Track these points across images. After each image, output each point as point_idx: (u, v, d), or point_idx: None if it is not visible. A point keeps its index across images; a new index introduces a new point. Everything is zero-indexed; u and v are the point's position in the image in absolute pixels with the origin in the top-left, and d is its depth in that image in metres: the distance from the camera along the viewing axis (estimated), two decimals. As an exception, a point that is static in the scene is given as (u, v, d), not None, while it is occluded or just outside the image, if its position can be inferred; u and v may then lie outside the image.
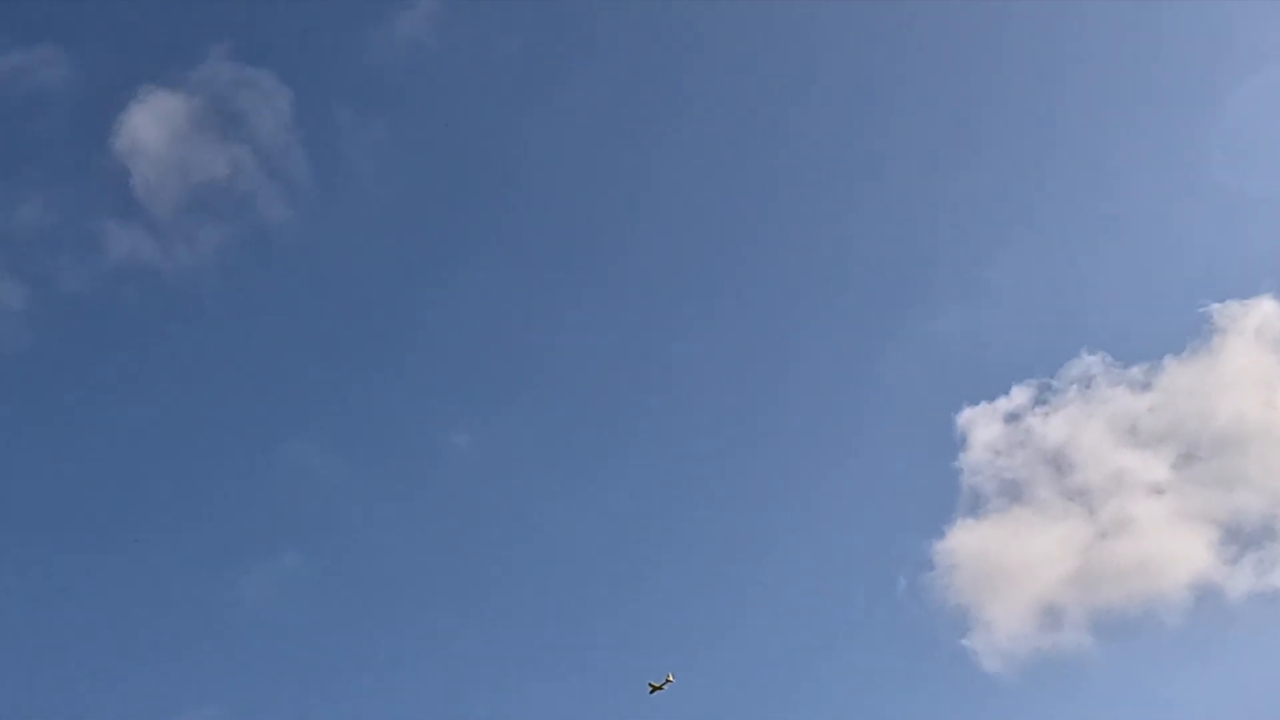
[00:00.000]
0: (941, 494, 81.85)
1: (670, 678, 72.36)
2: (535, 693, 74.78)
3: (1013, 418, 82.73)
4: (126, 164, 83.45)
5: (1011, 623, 75.99)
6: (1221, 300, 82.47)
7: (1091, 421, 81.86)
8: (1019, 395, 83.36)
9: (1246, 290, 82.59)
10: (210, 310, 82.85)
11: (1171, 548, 76.98)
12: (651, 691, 72.32)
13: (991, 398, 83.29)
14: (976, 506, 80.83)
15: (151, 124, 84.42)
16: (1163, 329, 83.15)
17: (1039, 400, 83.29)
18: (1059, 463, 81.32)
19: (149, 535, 76.07)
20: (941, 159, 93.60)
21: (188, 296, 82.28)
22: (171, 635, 73.78)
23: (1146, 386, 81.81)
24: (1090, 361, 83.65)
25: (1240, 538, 75.53)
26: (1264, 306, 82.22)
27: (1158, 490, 78.50)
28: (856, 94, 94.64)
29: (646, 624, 79.64)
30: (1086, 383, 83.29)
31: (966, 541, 78.93)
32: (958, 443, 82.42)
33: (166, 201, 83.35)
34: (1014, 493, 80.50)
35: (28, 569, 73.90)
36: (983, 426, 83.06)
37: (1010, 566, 78.26)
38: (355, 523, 79.24)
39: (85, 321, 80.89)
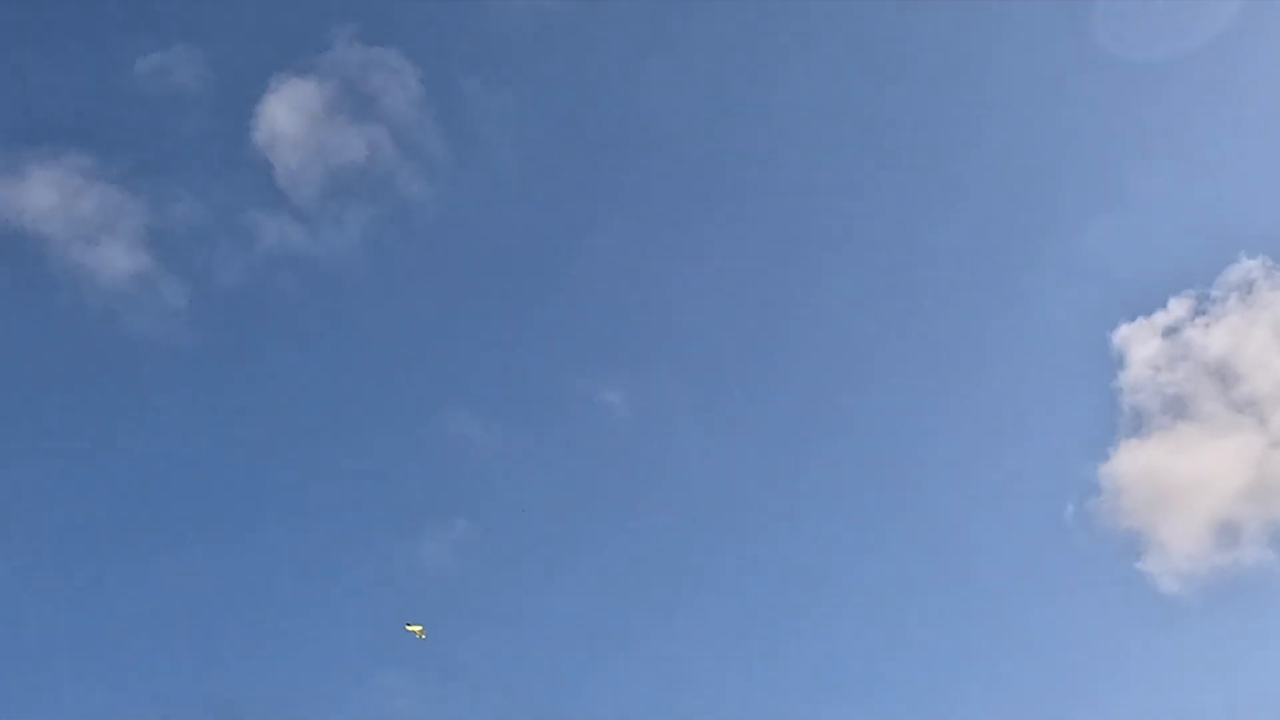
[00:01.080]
0: (1102, 416, 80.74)
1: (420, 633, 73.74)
2: (700, 646, 76.07)
3: (1171, 331, 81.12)
4: (267, 155, 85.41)
5: (1187, 543, 74.89)
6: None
7: (1255, 329, 79.81)
8: (1176, 307, 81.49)
9: None
10: (361, 290, 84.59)
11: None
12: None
13: (1148, 312, 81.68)
14: (1140, 426, 79.49)
15: (287, 113, 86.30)
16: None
17: (1198, 311, 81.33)
18: (1224, 374, 79.54)
19: (325, 509, 78.60)
20: (1073, 64, 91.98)
21: (338, 278, 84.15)
22: (358, 602, 76.23)
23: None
24: (1250, 266, 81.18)
25: None
26: None
27: (1330, 394, 77.14)
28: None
29: (809, 565, 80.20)
30: (1247, 289, 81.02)
31: (1133, 463, 77.73)
32: (1115, 362, 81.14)
33: (310, 188, 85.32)
34: (1178, 409, 79.06)
35: (226, 550, 76.78)
36: (1140, 343, 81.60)
37: (1181, 485, 77.01)
38: (516, 487, 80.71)
39: (244, 312, 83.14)
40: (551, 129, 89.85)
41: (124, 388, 79.29)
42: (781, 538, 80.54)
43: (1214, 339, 79.85)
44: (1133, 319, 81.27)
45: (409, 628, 71.89)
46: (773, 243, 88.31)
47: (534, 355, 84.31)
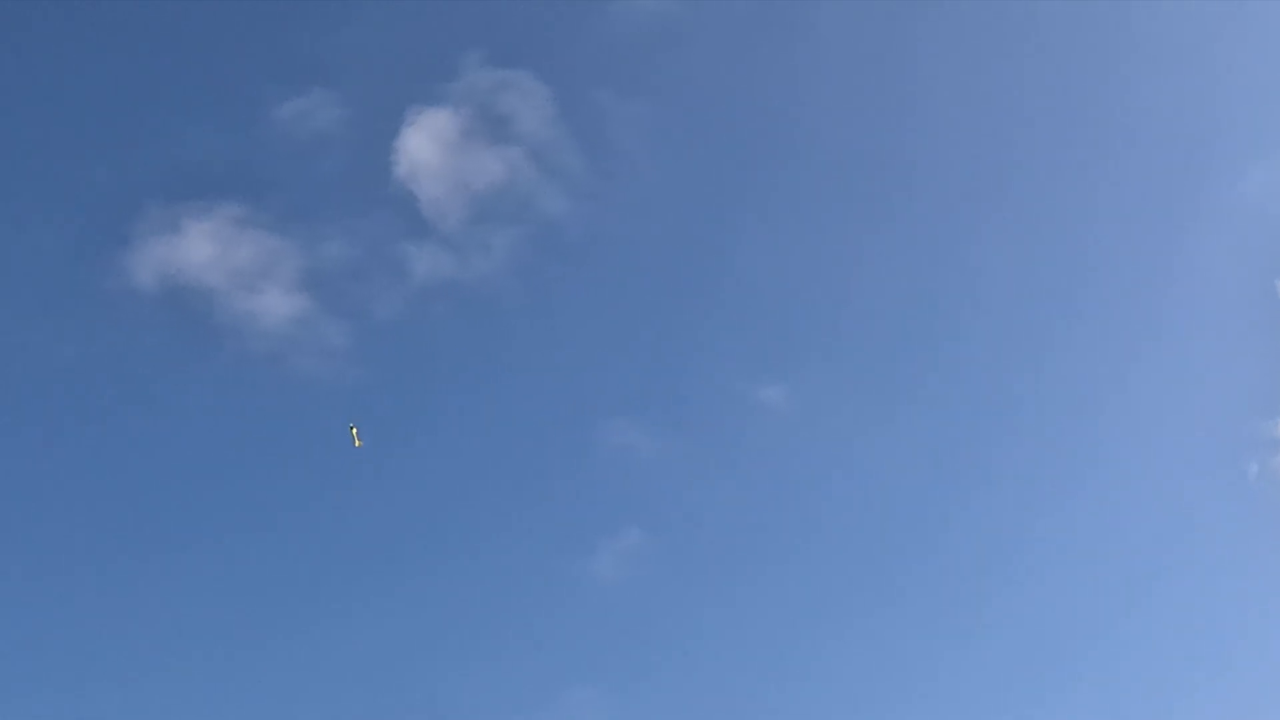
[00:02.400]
0: (1275, 368, 78.90)
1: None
2: (882, 643, 75.86)
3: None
4: (410, 187, 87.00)
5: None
6: None
7: None
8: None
9: None
10: (513, 312, 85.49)
11: None
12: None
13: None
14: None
15: (426, 144, 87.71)
16: None
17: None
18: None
19: (497, 532, 79.60)
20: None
21: (491, 302, 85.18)
22: (539, 621, 76.96)
23: None
24: None
25: None
26: None
27: None
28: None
29: (987, 551, 79.77)
30: None
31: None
32: (1283, 311, 79.48)
33: (454, 216, 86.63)
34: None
35: (406, 580, 77.82)
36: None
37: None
38: (684, 492, 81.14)
39: (403, 344, 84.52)
40: (688, 132, 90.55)
41: (296, 430, 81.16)
42: (956, 525, 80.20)
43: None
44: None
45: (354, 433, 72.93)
46: (924, 224, 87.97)
47: (690, 360, 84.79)
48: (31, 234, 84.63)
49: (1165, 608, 76.04)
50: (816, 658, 75.59)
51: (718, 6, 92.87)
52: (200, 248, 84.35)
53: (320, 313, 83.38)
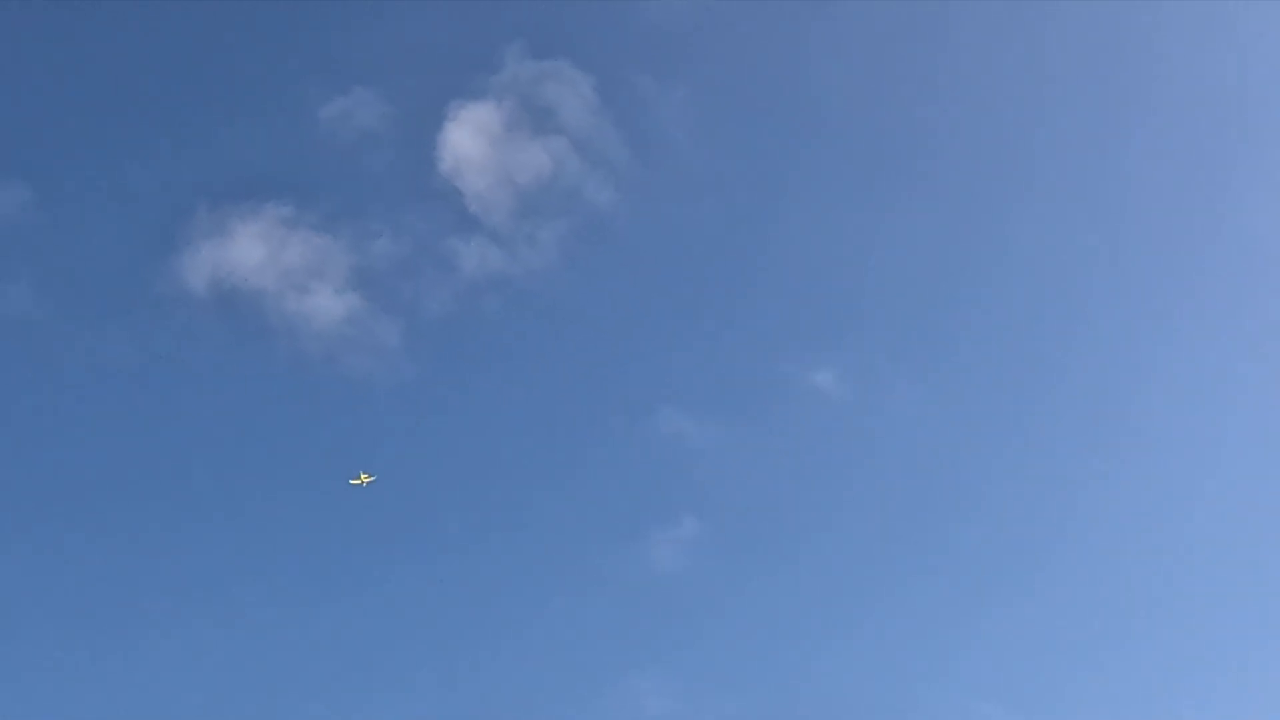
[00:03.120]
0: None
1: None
2: (936, 623, 75.79)
3: None
4: (455, 182, 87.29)
5: None
6: None
7: None
8: None
9: None
10: (563, 303, 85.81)
11: None
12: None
13: None
14: None
15: (470, 138, 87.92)
16: None
17: None
18: None
19: (554, 523, 79.90)
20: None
21: (540, 294, 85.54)
22: (598, 609, 77.29)
23: None
24: None
25: None
26: None
27: None
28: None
29: (1042, 529, 79.75)
30: None
31: None
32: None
33: (501, 209, 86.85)
34: None
35: (467, 570, 78.55)
36: None
37: None
38: (738, 479, 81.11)
39: (455, 339, 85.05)
40: (729, 117, 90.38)
41: (352, 428, 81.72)
42: (1008, 501, 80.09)
43: None
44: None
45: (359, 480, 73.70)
46: (962, 205, 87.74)
47: (739, 346, 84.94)
48: (84, 239, 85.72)
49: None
50: (871, 638, 75.80)
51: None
52: (250, 249, 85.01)
53: (371, 311, 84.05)
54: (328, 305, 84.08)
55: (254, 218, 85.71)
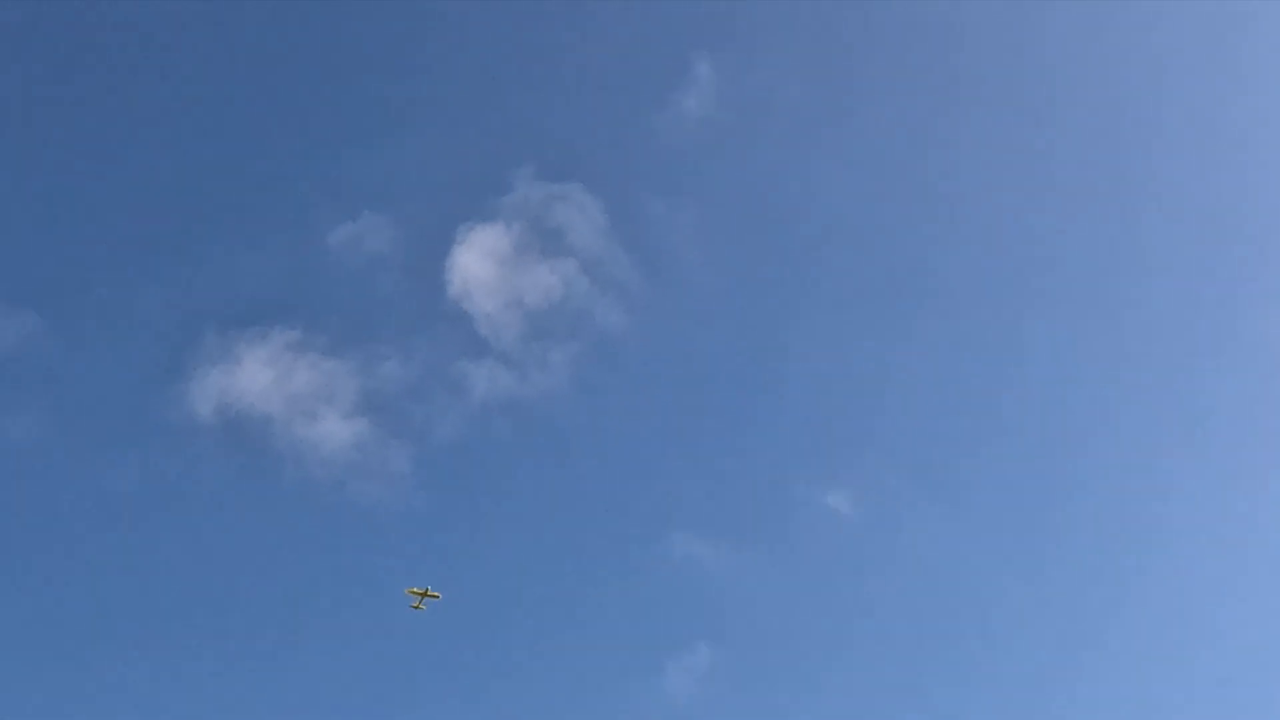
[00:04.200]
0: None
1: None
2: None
3: None
4: (464, 305, 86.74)
5: None
6: None
7: None
8: None
9: None
10: (574, 427, 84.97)
11: None
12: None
13: None
14: None
15: (479, 260, 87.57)
16: None
17: None
18: None
19: (568, 651, 78.59)
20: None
21: (552, 418, 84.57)
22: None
23: None
24: None
25: None
26: None
27: None
28: None
29: (1063, 643, 78.76)
30: None
31: None
32: None
33: (511, 332, 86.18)
34: None
35: (478, 705, 76.92)
36: None
37: None
38: (753, 604, 79.86)
39: (464, 465, 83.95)
40: (739, 239, 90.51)
41: (360, 558, 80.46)
42: (1026, 626, 79.01)
43: None
44: None
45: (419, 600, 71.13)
46: (975, 327, 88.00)
47: (752, 469, 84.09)
48: (92, 367, 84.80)
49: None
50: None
51: (758, 110, 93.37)
52: (258, 375, 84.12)
53: (380, 436, 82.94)
54: (336, 431, 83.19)
55: (262, 342, 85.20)
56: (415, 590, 73.47)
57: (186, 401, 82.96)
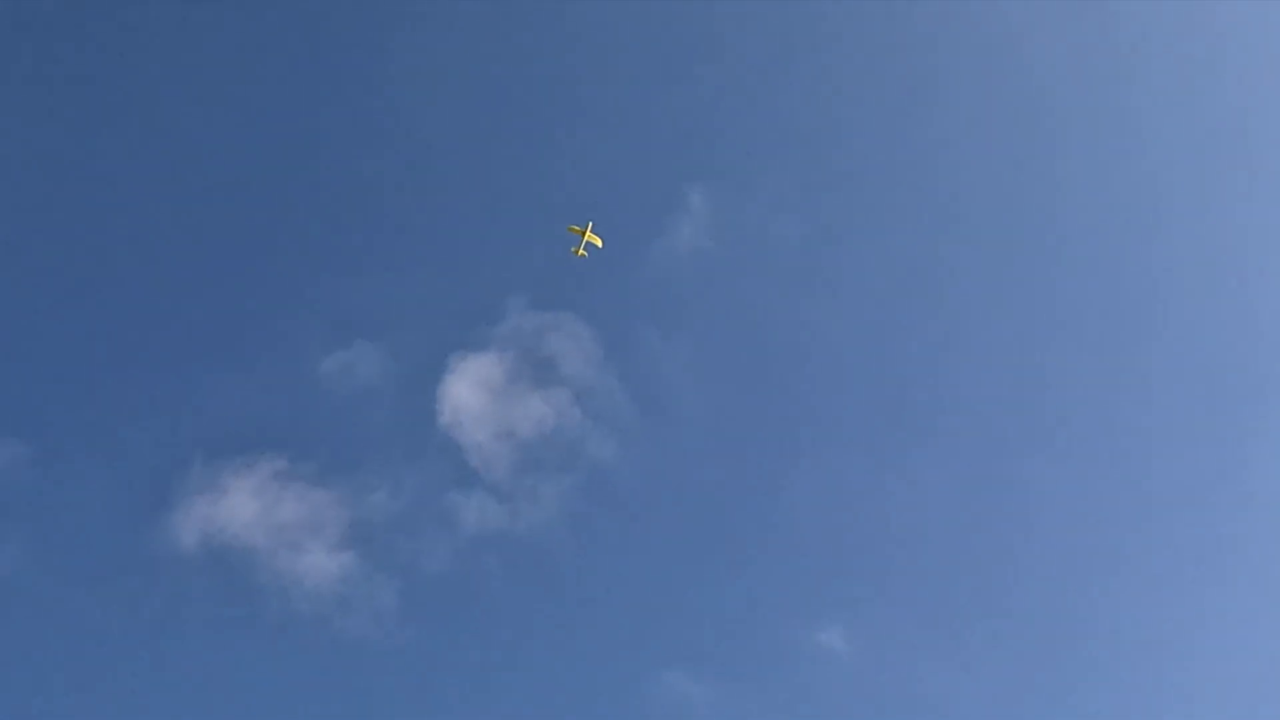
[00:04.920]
0: None
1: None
2: None
3: None
4: (455, 435, 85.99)
5: None
6: None
7: None
8: None
9: None
10: (564, 561, 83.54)
11: None
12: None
13: None
14: None
15: (471, 390, 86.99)
16: None
17: None
18: None
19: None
20: None
21: (542, 552, 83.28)
22: None
23: None
24: None
25: None
26: None
27: None
28: None
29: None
30: None
31: None
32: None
33: (502, 464, 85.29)
34: None
35: None
36: None
37: None
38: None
39: (453, 599, 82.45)
40: (733, 372, 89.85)
41: (345, 694, 78.66)
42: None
43: None
44: None
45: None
46: (974, 461, 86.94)
47: (744, 606, 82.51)
48: (78, 497, 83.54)
49: None
50: None
51: (753, 241, 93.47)
52: (244, 505, 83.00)
53: (366, 570, 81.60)
54: (322, 563, 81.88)
55: (249, 472, 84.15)
56: (577, 229, 70.23)
57: (171, 532, 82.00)
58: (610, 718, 78.78)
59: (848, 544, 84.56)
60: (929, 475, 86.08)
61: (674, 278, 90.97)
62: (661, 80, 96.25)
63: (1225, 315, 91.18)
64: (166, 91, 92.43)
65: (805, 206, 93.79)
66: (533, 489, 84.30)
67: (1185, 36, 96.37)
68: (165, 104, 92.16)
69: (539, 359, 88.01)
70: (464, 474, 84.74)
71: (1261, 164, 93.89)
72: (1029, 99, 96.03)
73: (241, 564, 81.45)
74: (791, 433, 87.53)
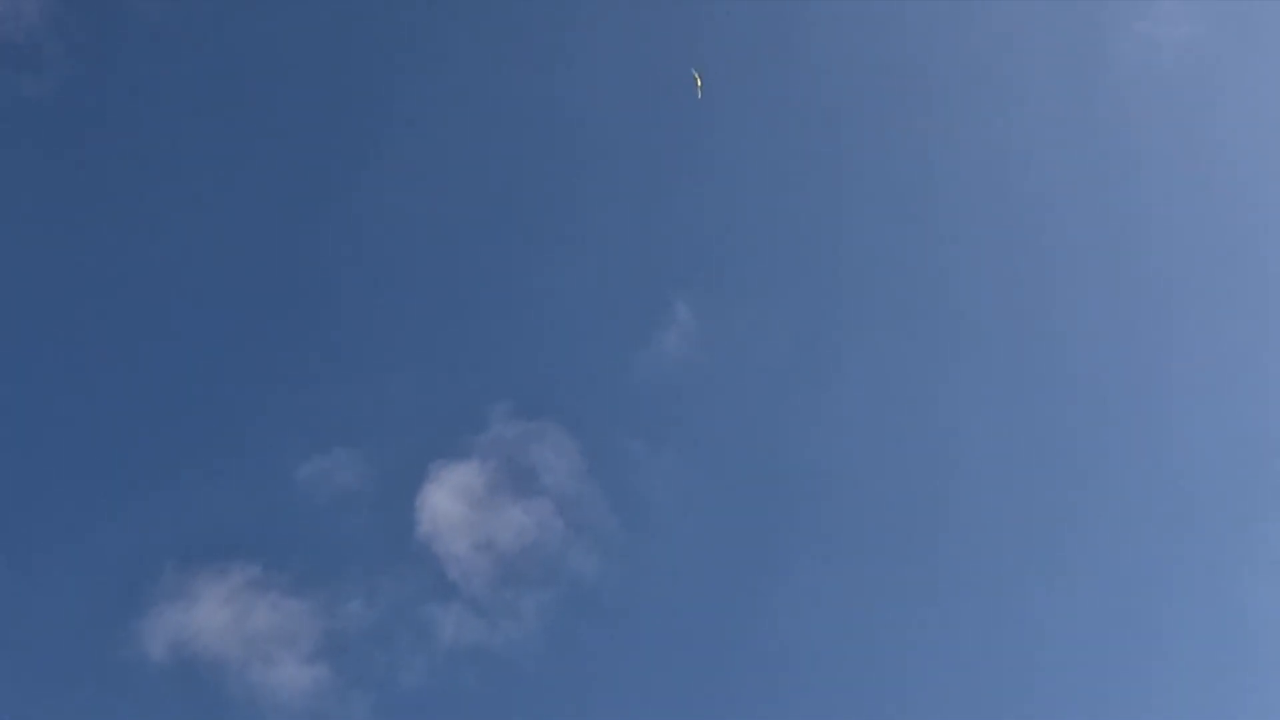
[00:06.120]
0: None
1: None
2: None
3: None
4: (433, 545, 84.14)
5: None
6: None
7: None
8: None
9: None
10: (545, 680, 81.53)
11: None
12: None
13: None
14: None
15: (450, 500, 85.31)
16: None
17: None
18: None
19: None
20: None
21: (521, 670, 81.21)
22: None
23: None
24: None
25: None
26: None
27: None
28: None
29: None
30: None
31: None
32: None
33: (481, 576, 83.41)
34: None
35: None
36: None
37: None
38: None
39: (428, 715, 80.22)
40: (721, 485, 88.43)
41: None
42: None
43: None
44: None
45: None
46: (972, 585, 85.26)
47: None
48: (43, 604, 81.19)
49: None
50: None
51: (740, 350, 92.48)
52: (215, 614, 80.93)
53: (340, 683, 79.39)
54: (294, 675, 79.57)
55: (221, 579, 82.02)
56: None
57: (140, 640, 79.58)
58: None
59: (846, 670, 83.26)
60: (927, 595, 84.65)
61: (658, 387, 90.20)
62: (647, 188, 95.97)
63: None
64: (155, 184, 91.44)
65: (792, 316, 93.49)
66: (513, 603, 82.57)
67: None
68: (148, 203, 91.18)
69: (521, 468, 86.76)
70: (442, 585, 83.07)
71: None
72: (1030, 198, 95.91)
73: (211, 675, 79.31)
74: (784, 549, 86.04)
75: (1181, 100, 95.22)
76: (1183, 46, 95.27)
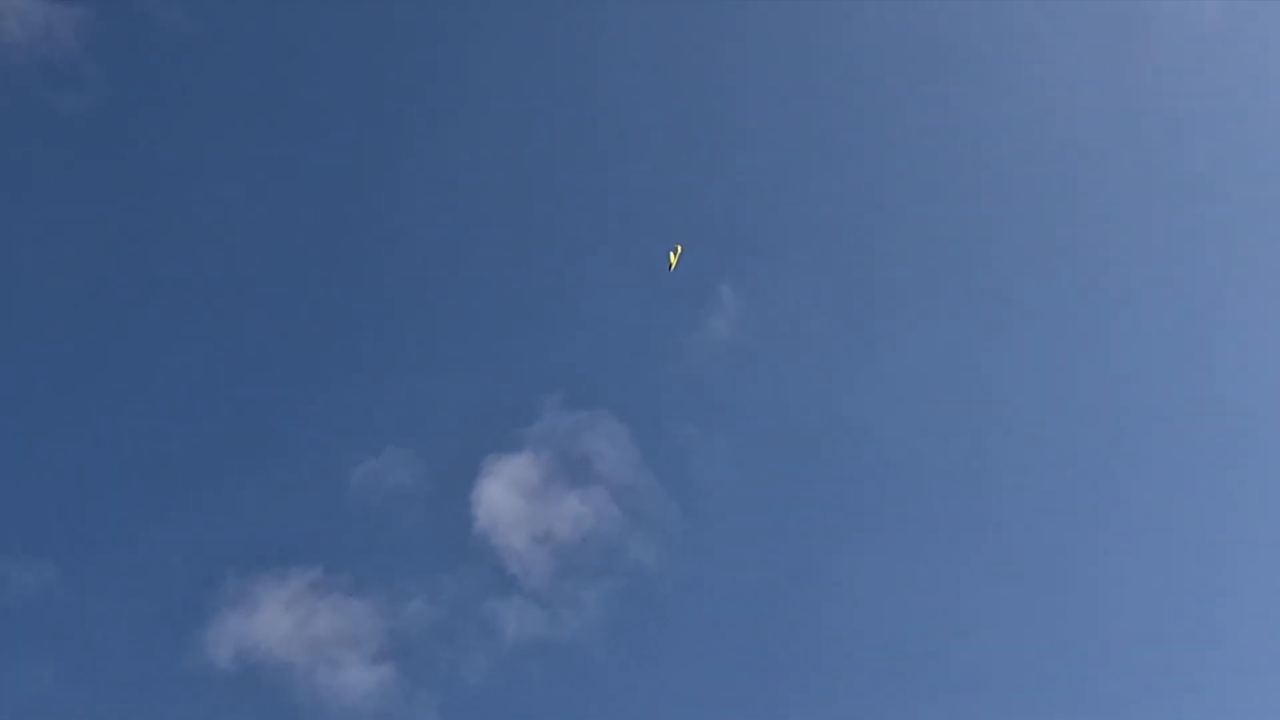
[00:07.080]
0: None
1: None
2: None
3: None
4: (492, 539, 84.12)
5: None
6: None
7: None
8: None
9: None
10: (609, 669, 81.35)
11: None
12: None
13: None
14: None
15: (506, 494, 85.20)
16: None
17: None
18: None
19: None
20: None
21: (585, 659, 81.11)
22: None
23: None
24: None
25: None
26: None
27: None
28: None
29: None
30: None
31: None
32: None
33: (541, 569, 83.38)
34: None
35: None
36: None
37: None
38: None
39: (496, 710, 79.98)
40: (775, 467, 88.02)
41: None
42: None
43: None
44: None
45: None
46: (1029, 556, 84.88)
47: (796, 714, 79.91)
48: (109, 616, 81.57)
49: None
50: None
51: (786, 332, 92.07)
52: (278, 619, 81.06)
53: (406, 683, 79.43)
54: (360, 677, 79.70)
55: (282, 584, 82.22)
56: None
57: (204, 649, 79.91)
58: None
59: (904, 649, 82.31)
60: (988, 574, 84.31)
61: (709, 373, 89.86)
62: (690, 177, 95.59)
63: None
64: (196, 191, 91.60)
65: (837, 298, 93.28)
66: (573, 594, 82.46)
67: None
68: (193, 205, 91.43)
69: (575, 459, 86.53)
70: (502, 580, 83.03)
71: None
72: (1068, 173, 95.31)
73: (278, 681, 79.53)
74: (843, 530, 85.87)
75: (1221, 64, 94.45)
76: (1222, 9, 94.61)
